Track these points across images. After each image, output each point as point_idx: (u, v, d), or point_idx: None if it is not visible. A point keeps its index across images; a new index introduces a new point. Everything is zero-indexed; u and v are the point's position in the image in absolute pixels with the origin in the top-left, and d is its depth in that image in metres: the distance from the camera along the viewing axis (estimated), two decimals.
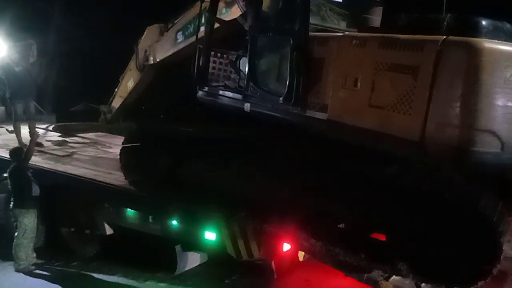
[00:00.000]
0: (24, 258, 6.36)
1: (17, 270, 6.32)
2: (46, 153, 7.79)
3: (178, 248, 6.01)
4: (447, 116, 3.54)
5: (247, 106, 5.03)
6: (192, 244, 5.92)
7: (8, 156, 6.69)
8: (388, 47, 3.90)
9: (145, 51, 7.99)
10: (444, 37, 3.57)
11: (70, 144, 8.55)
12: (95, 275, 6.21)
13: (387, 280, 4.62)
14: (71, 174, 6.73)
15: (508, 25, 3.73)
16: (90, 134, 9.34)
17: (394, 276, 4.69)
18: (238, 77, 5.32)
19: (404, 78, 3.73)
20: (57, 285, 5.95)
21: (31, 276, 6.26)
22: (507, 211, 3.88)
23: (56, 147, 8.32)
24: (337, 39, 4.34)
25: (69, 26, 14.45)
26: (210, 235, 5.63)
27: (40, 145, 8.00)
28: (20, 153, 6.54)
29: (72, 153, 7.94)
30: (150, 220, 6.15)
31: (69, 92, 13.11)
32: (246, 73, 4.99)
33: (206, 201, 5.31)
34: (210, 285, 5.78)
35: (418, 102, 3.65)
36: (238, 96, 5.12)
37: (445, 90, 3.55)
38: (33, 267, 6.39)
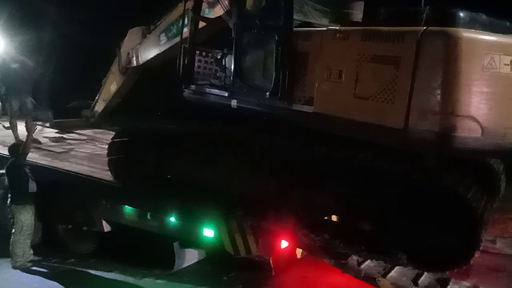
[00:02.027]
0: (21, 255, 6.35)
1: (14, 267, 6.31)
2: (43, 149, 7.78)
3: (176, 245, 6.00)
4: (428, 104, 3.67)
5: (233, 103, 5.11)
6: (190, 241, 5.91)
7: (6, 153, 6.66)
8: (370, 39, 4.04)
9: (128, 54, 7.94)
10: (424, 28, 3.70)
11: (67, 141, 8.54)
12: (93, 272, 6.19)
13: (385, 277, 4.67)
14: (68, 170, 6.70)
15: (483, 16, 3.88)
16: (87, 130, 9.31)
17: (391, 273, 4.75)
18: (224, 74, 5.38)
19: (387, 68, 3.87)
20: (54, 282, 5.93)
21: (28, 272, 6.25)
22: (488, 199, 4.10)
23: (53, 143, 8.31)
24: (321, 34, 4.46)
25: (65, 23, 14.39)
26: (208, 232, 5.64)
27: (37, 141, 7.97)
28: (17, 149, 6.52)
29: (69, 149, 7.92)
30: (148, 217, 6.13)
31: (65, 89, 13.07)
32: (231, 70, 5.07)
33: (204, 198, 5.32)
34: (208, 282, 5.77)
35: (401, 91, 3.79)
36: (224, 93, 5.20)
37: (426, 78, 3.68)
38: (30, 264, 6.38)
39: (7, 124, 8.93)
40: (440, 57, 3.62)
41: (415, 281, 4.62)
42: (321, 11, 5.28)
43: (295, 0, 4.68)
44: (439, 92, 3.62)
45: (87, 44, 13.02)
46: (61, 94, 13.05)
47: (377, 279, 4.63)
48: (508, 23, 4.02)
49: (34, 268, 6.34)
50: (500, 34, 3.80)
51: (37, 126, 7.34)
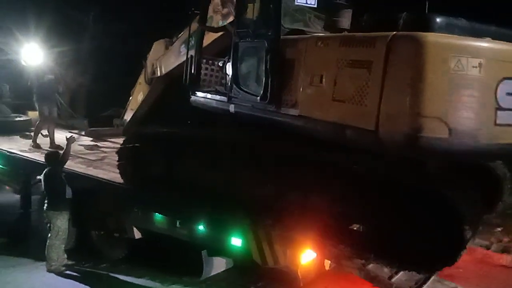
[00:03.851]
0: (56, 259, 6.54)
1: (49, 270, 6.49)
2: (78, 157, 8.02)
3: (204, 253, 6.05)
4: (396, 106, 3.79)
5: (231, 107, 5.42)
6: (218, 249, 5.95)
7: (44, 160, 6.90)
8: (347, 45, 4.26)
9: (153, 65, 8.26)
10: (394, 33, 3.83)
11: (102, 149, 8.76)
12: (124, 277, 6.31)
13: None
14: (102, 178, 6.89)
15: (463, 21, 3.96)
16: (120, 139, 9.53)
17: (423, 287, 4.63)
18: (225, 81, 5.64)
19: (360, 72, 4.03)
20: (86, 286, 6.07)
21: (62, 276, 6.41)
22: (472, 200, 4.17)
23: (88, 151, 8.56)
24: (305, 41, 4.68)
25: (102, 35, 14.90)
26: (236, 241, 5.66)
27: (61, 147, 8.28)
28: (55, 157, 6.74)
29: (103, 157, 8.13)
30: (178, 225, 6.21)
31: (101, 99, 13.50)
32: (230, 76, 5.37)
33: (232, 207, 5.37)
34: None
35: (372, 94, 3.93)
36: (224, 99, 5.51)
37: (394, 81, 3.81)
38: (64, 268, 6.55)
39: (45, 132, 9.31)
40: (407, 60, 3.74)
41: None
42: (322, 20, 5.46)
43: (296, 9, 5.00)
44: (406, 94, 3.73)
45: (123, 55, 13.45)
46: (96, 103, 13.50)
47: None
48: (493, 27, 4.06)
49: (67, 272, 6.50)
50: (475, 38, 3.85)
51: (74, 136, 7.58)
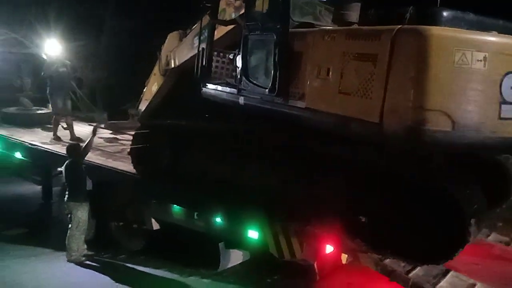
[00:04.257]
0: (76, 249, 6.66)
1: (69, 260, 6.62)
2: (98, 149, 8.13)
3: (221, 245, 6.08)
4: (401, 98, 3.82)
5: (241, 100, 5.50)
6: (235, 241, 5.98)
7: (65, 152, 7.01)
8: (353, 38, 4.30)
9: (167, 56, 8.33)
10: (399, 26, 3.86)
11: (121, 141, 8.86)
12: (142, 268, 6.40)
13: (434, 287, 4.50)
14: (121, 170, 6.98)
15: (470, 15, 3.99)
16: None
17: (441, 283, 4.59)
18: (235, 73, 5.70)
19: (366, 65, 4.08)
20: (105, 276, 6.17)
21: (81, 266, 6.53)
22: (475, 194, 4.21)
23: (107, 144, 8.68)
24: (313, 34, 4.75)
25: (120, 29, 15.03)
26: (252, 234, 5.68)
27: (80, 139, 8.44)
28: (76, 149, 6.85)
29: (122, 150, 8.22)
30: (195, 217, 6.25)
31: (120, 92, 13.62)
32: (239, 68, 5.44)
33: (249, 200, 5.39)
34: (252, 283, 5.81)
35: (377, 87, 3.98)
36: (234, 91, 5.59)
37: (399, 74, 3.84)
38: (83, 258, 6.67)
39: (65, 125, 9.47)
40: (411, 53, 3.76)
41: None
42: (332, 13, 5.46)
43: (306, 2, 5.05)
44: (410, 87, 3.76)
45: (140, 49, 13.55)
46: (115, 97, 13.64)
47: None
48: (501, 22, 4.08)
49: (87, 262, 6.62)
50: (480, 32, 3.86)
51: (96, 133, 7.67)
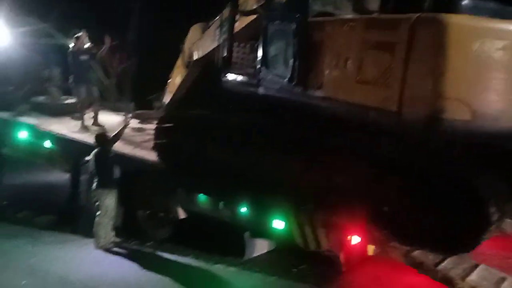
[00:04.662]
0: (104, 236, 6.76)
1: (97, 247, 6.73)
2: (125, 139, 8.22)
3: (247, 234, 6.11)
4: (420, 87, 3.81)
5: (261, 90, 5.55)
6: (261, 231, 5.99)
7: (89, 141, 7.12)
8: (371, 27, 4.30)
9: (190, 49, 8.38)
10: (418, 14, 3.83)
11: (147, 131, 8.93)
12: (168, 256, 6.46)
13: (464, 280, 4.43)
14: (148, 159, 7.06)
15: (491, 3, 3.93)
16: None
17: (471, 276, 4.51)
18: (255, 63, 5.74)
19: (384, 54, 4.07)
20: (133, 263, 6.24)
21: (109, 253, 6.62)
22: (494, 181, 4.18)
23: (134, 133, 8.77)
24: (331, 23, 4.80)
25: (146, 20, 15.12)
26: (277, 224, 5.68)
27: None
28: (104, 138, 6.95)
29: (149, 139, 8.28)
30: (221, 206, 6.30)
31: (146, 83, 13.75)
32: (259, 58, 5.50)
33: (274, 190, 5.38)
34: (277, 273, 5.80)
35: (396, 76, 3.96)
36: (254, 81, 5.63)
37: (418, 63, 3.83)
38: (111, 245, 6.77)
39: (92, 114, 9.62)
40: (431, 42, 3.73)
41: (497, 285, 4.34)
42: (352, 2, 5.44)
43: None
44: (429, 76, 3.73)
45: (167, 41, 13.62)
46: (141, 87, 13.78)
47: (455, 281, 4.40)
48: None
49: (115, 249, 6.72)
50: (500, 20, 3.82)
51: (129, 123, 7.78)
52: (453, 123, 3.75)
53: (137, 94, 13.19)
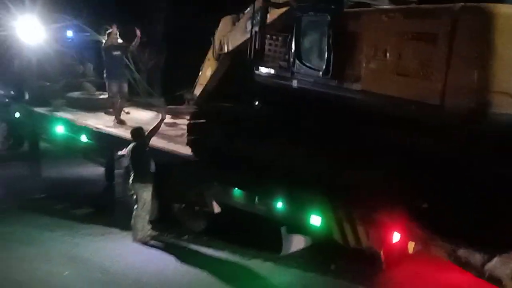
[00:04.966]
0: (141, 229, 6.86)
1: (135, 240, 6.83)
2: (159, 133, 8.28)
3: (283, 230, 6.07)
4: (464, 80, 3.70)
5: (294, 83, 5.48)
6: (297, 227, 5.94)
7: (124, 135, 7.20)
8: (411, 17, 4.20)
9: (220, 41, 8.31)
10: (462, 4, 3.73)
11: (180, 126, 9.00)
12: (205, 249, 6.51)
13: None
14: (182, 153, 7.09)
15: None
16: None
17: None
18: (288, 56, 5.70)
19: (425, 45, 3.97)
20: (170, 256, 6.32)
21: (146, 246, 6.71)
22: None
23: (168, 128, 8.83)
24: (369, 14, 4.71)
25: (175, 14, 15.19)
26: (315, 220, 5.62)
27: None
28: (140, 132, 7.02)
29: (182, 134, 8.34)
30: (256, 200, 6.28)
31: (175, 77, 13.83)
32: (292, 51, 5.43)
33: (312, 185, 5.32)
34: (315, 269, 5.77)
35: (438, 68, 3.86)
36: (287, 74, 5.58)
37: (462, 54, 3.72)
38: (148, 238, 6.86)
39: (126, 110, 9.75)
40: (475, 33, 3.62)
41: None
42: None
43: None
44: (473, 68, 3.63)
45: (197, 35, 13.66)
46: (171, 82, 13.87)
47: (504, 281, 4.26)
48: None
49: (152, 242, 6.80)
50: None
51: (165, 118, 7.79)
52: (499, 117, 3.66)
53: (167, 89, 13.31)
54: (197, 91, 9.68)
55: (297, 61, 5.44)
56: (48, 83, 10.81)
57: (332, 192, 5.24)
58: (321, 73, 5.04)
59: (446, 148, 4.25)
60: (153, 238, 6.88)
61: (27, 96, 10.46)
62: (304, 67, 5.35)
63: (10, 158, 14.20)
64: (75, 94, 10.56)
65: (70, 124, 9.02)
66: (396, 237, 5.24)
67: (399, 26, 4.28)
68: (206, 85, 9.38)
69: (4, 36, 11.00)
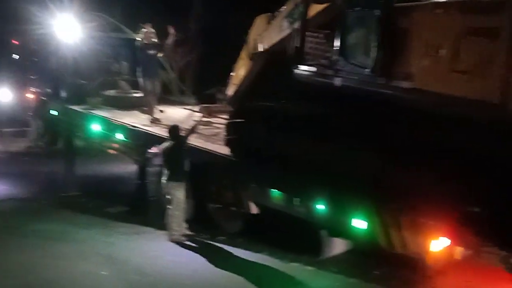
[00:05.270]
0: (176, 229, 6.79)
1: (171, 240, 6.75)
2: (195, 132, 8.21)
3: (324, 233, 5.88)
4: None
5: (337, 81, 5.29)
6: (339, 230, 5.73)
7: (167, 133, 7.12)
8: (469, 11, 4.00)
9: (255, 40, 8.20)
10: None
11: (215, 125, 8.91)
12: (241, 251, 6.37)
13: None
14: (220, 153, 6.98)
15: None
16: None
17: None
18: (331, 53, 5.55)
19: (485, 41, 3.79)
20: (206, 257, 6.20)
21: (181, 246, 6.62)
22: None
23: (202, 127, 8.75)
24: (420, 8, 4.51)
25: (207, 13, 15.17)
26: (358, 223, 5.41)
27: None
28: (177, 131, 6.95)
29: (217, 133, 8.25)
30: (296, 202, 6.11)
31: (206, 76, 13.80)
32: (337, 49, 5.29)
33: (356, 188, 5.13)
34: (358, 275, 5.55)
35: (499, 64, 3.69)
36: (330, 72, 5.41)
37: None
38: (184, 238, 6.78)
39: (161, 108, 9.73)
40: None
41: None
42: None
43: None
44: None
45: (231, 33, 13.59)
46: (202, 81, 13.86)
47: None
48: None
49: (187, 242, 6.71)
50: None
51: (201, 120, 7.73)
52: None
53: (199, 87, 13.29)
54: (230, 90, 9.62)
55: (341, 59, 5.28)
56: (84, 81, 10.92)
57: (378, 195, 5.03)
58: (368, 70, 4.89)
59: (504, 150, 4.02)
60: (188, 238, 6.79)
61: (63, 94, 10.56)
62: (349, 64, 5.19)
63: (46, 155, 14.57)
64: (111, 92, 10.62)
65: (106, 122, 9.06)
66: (444, 242, 5.01)
67: (455, 20, 4.09)
68: (239, 84, 9.33)
69: (42, 34, 11.18)
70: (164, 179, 6.91)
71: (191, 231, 6.92)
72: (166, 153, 6.96)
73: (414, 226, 5.01)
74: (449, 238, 4.92)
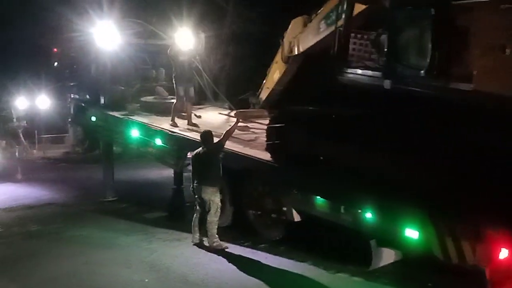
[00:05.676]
0: (217, 235, 6.65)
1: (211, 247, 6.62)
2: (232, 137, 8.09)
3: (373, 242, 5.61)
4: None
5: (386, 83, 5.07)
6: (389, 240, 5.46)
7: (200, 138, 7.02)
8: None
9: (290, 43, 8.13)
10: None
11: (252, 130, 8.78)
12: (283, 259, 6.18)
13: None
14: (259, 159, 6.82)
15: None
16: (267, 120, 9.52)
17: None
18: (378, 55, 5.42)
19: None
20: (248, 265, 6.02)
21: (221, 254, 6.44)
22: None
23: (239, 132, 8.62)
24: (482, 5, 4.31)
25: (242, 20, 15.17)
26: (410, 233, 5.13)
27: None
28: (209, 136, 6.85)
29: (256, 138, 8.11)
30: (342, 210, 5.87)
31: (240, 81, 13.78)
32: (385, 50, 5.13)
33: (408, 196, 4.87)
34: (410, 286, 5.28)
35: None
36: (378, 74, 5.23)
37: None
38: (225, 245, 6.63)
39: (198, 113, 9.69)
40: None
41: None
42: None
43: None
44: None
45: (262, 38, 13.52)
46: (236, 86, 13.83)
47: None
48: None
49: (227, 250, 6.56)
50: None
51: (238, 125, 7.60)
52: None
53: (230, 93, 13.26)
54: (263, 94, 9.52)
55: (391, 60, 5.09)
56: (122, 88, 11.01)
57: (432, 202, 4.76)
58: (422, 72, 4.69)
59: None
60: (228, 245, 6.65)
61: (102, 101, 10.67)
62: (400, 66, 4.99)
63: (83, 161, 14.82)
64: (149, 98, 10.66)
65: (145, 128, 9.05)
66: (504, 253, 4.69)
67: None
68: (273, 88, 9.21)
69: (81, 42, 11.37)
70: (196, 185, 6.77)
71: (230, 238, 6.77)
72: (196, 158, 6.87)
73: (473, 236, 4.71)
74: (509, 249, 4.62)
